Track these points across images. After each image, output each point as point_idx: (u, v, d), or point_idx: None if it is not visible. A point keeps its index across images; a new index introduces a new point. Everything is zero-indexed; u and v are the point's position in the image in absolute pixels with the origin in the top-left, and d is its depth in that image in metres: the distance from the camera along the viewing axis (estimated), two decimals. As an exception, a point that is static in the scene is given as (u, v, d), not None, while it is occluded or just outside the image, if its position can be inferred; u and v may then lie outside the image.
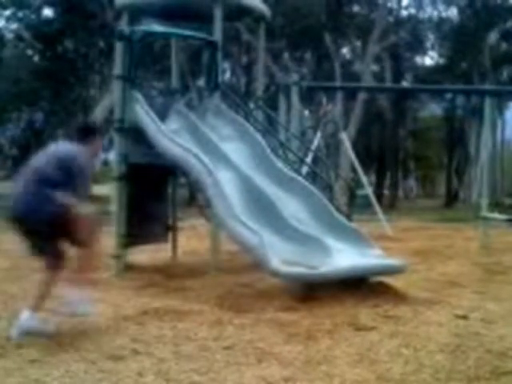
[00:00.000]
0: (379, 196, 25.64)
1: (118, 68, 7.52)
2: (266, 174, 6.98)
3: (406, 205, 29.97)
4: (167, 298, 5.73)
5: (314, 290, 5.39)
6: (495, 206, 14.33)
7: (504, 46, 31.88)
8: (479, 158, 16.46)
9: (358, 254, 5.95)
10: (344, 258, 5.73)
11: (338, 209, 7.31)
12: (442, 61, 33.78)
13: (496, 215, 10.37)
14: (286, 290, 5.57)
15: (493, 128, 18.37)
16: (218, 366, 3.76)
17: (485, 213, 9.75)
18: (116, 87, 7.98)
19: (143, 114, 6.97)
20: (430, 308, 5.17)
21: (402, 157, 35.70)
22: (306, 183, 6.95)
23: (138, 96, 7.10)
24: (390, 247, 8.29)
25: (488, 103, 11.11)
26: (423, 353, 3.96)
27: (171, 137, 6.71)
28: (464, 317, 4.90)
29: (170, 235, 8.20)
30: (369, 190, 13.89)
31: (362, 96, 25.51)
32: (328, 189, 8.58)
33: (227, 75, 31.54)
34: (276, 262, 5.48)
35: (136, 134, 7.09)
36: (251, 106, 8.80)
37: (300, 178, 7.06)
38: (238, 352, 4.03)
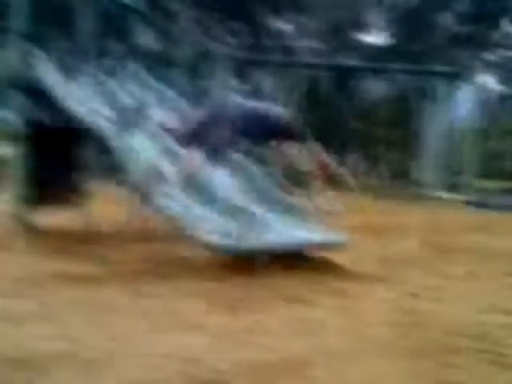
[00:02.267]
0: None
1: (15, 21, 7.26)
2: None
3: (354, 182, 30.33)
4: (81, 263, 5.59)
5: (248, 263, 5.35)
6: (446, 185, 14.57)
7: (456, 27, 32.52)
8: (430, 138, 16.76)
9: (297, 227, 5.99)
10: (282, 231, 5.77)
11: (278, 183, 7.31)
12: (391, 40, 34.22)
13: (446, 194, 10.57)
14: (218, 261, 5.55)
15: (444, 108, 18.72)
16: (140, 334, 3.68)
17: (435, 192, 9.92)
18: (13, 43, 7.73)
19: (47, 74, 6.82)
20: (376, 284, 5.23)
21: (346, 134, 36.06)
22: (242, 157, 6.96)
23: (41, 54, 6.93)
24: (334, 222, 8.32)
25: (439, 84, 11.28)
26: (366, 328, 3.97)
27: (82, 100, 6.60)
28: (411, 294, 4.96)
29: (84, 200, 8.08)
30: (307, 165, 13.93)
31: (305, 73, 25.59)
32: (266, 163, 8.56)
33: (150, 41, 31.12)
34: (206, 234, 5.45)
35: (38, 95, 6.93)
36: (175, 74, 8.72)
37: (236, 152, 7.07)
38: (161, 321, 3.96)
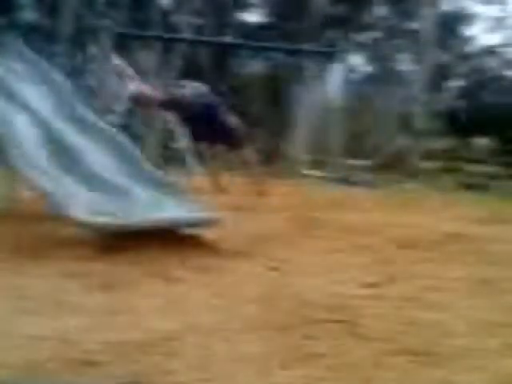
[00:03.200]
0: (198, 150, 25.84)
1: None
2: (72, 121, 6.87)
3: (225, 159, 30.52)
4: None
5: (120, 241, 5.33)
6: (315, 162, 14.98)
7: (330, 8, 33.21)
8: (302, 116, 17.10)
9: (169, 205, 6.01)
10: (154, 208, 5.76)
11: (150, 160, 7.30)
12: (267, 19, 34.47)
13: (315, 172, 10.87)
14: (89, 240, 5.45)
15: (315, 87, 19.13)
16: (11, 316, 3.61)
17: (305, 169, 10.18)
18: None
19: None
20: (242, 260, 5.32)
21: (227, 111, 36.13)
22: (116, 133, 6.89)
23: None
24: (207, 200, 8.38)
25: (311, 63, 11.52)
26: (234, 303, 4.05)
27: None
28: (276, 268, 5.09)
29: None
30: (183, 143, 13.89)
31: (181, 48, 25.39)
32: (139, 140, 8.52)
33: (31, 15, 29.85)
34: (79, 211, 5.39)
35: None
36: (57, 49, 8.47)
37: (109, 128, 6.99)
38: (32, 302, 3.89)
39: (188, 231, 5.93)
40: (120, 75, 7.70)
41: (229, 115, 7.44)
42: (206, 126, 7.42)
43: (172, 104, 7.32)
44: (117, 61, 7.91)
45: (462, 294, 4.56)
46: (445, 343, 3.51)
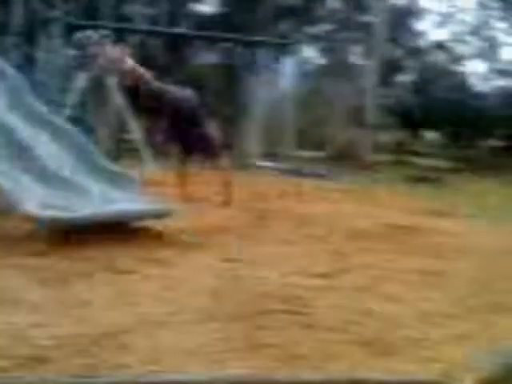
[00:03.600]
0: (151, 141, 25.67)
1: None
2: (24, 115, 6.71)
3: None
4: None
5: (72, 234, 5.25)
6: (268, 154, 15.01)
7: (283, 0, 33.23)
8: (255, 108, 17.10)
9: (122, 197, 5.95)
10: (106, 201, 5.70)
11: (103, 153, 7.23)
12: (221, 10, 34.30)
13: (268, 163, 10.89)
14: (40, 234, 5.35)
15: (269, 79, 19.16)
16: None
17: (257, 160, 10.19)
18: None
19: None
20: (196, 252, 5.31)
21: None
22: (69, 126, 6.80)
23: None
24: (160, 192, 8.34)
25: (265, 55, 11.54)
26: (186, 295, 4.04)
27: None
28: (229, 260, 5.09)
29: None
30: (137, 135, 13.74)
31: (133, 39, 25.13)
32: (92, 132, 8.42)
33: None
34: (30, 205, 5.27)
35: None
36: (8, 41, 8.30)
37: (62, 121, 6.92)
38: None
39: (141, 223, 5.89)
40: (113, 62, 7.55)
41: (208, 124, 7.36)
42: (184, 129, 7.34)
43: (158, 94, 7.19)
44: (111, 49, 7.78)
45: (412, 286, 4.63)
46: (394, 333, 3.56)
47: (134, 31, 23.03)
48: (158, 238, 5.63)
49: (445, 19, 33.51)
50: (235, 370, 2.93)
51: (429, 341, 3.47)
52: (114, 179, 6.25)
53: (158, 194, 6.59)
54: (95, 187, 6.02)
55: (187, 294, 4.07)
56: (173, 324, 3.50)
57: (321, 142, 21.80)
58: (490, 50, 33.93)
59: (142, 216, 5.91)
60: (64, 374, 2.79)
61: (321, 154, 19.36)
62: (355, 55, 32.83)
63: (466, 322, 3.83)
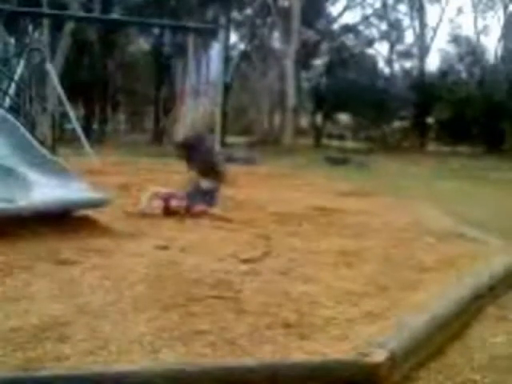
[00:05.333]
0: (88, 130, 25.15)
1: None
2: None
3: (115, 139, 29.89)
4: None
5: (12, 225, 5.09)
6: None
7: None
8: (184, 93, 16.85)
9: (60, 187, 5.81)
10: (45, 191, 5.56)
11: (41, 142, 7.02)
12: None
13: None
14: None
15: (196, 65, 18.94)
16: None
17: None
18: None
19: None
20: (132, 240, 5.25)
21: (111, 90, 35.25)
22: (6, 115, 6.56)
23: None
24: (98, 181, 8.16)
25: (191, 40, 11.43)
26: (124, 284, 3.99)
27: None
28: (164, 247, 5.05)
29: None
30: (76, 124, 13.44)
31: (69, 26, 24.44)
32: (30, 122, 8.16)
33: None
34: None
35: None
36: None
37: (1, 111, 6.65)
38: None
39: (78, 212, 5.76)
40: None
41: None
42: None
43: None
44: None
45: (329, 266, 4.72)
46: (315, 314, 3.62)
47: (70, 18, 22.38)
48: (95, 227, 5.52)
49: (352, 2, 33.80)
50: (168, 357, 2.93)
51: (344, 320, 3.54)
52: (52, 169, 6.09)
53: (95, 183, 6.45)
54: (33, 177, 5.83)
55: (126, 282, 4.01)
56: (111, 314, 3.45)
57: (246, 128, 21.81)
58: (394, 33, 34.56)
59: (79, 205, 5.77)
60: (3, 370, 2.73)
61: (247, 139, 19.35)
62: (275, 40, 32.79)
63: (378, 300, 3.93)
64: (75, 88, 32.87)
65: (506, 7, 31.07)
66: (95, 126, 32.28)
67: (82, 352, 2.94)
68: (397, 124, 33.80)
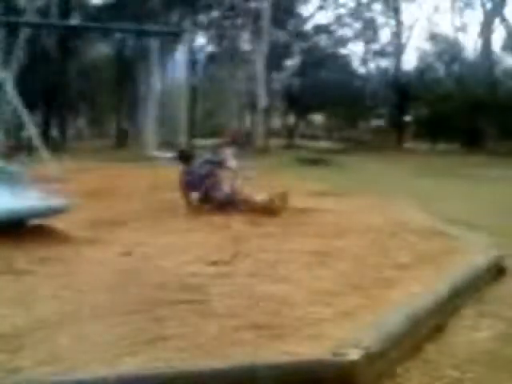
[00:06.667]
0: (47, 137, 24.95)
1: None
2: None
3: (77, 145, 29.67)
4: None
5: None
6: (164, 144, 14.83)
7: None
8: (149, 98, 16.86)
9: (15, 196, 5.72)
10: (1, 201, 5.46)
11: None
12: (111, 0, 33.49)
13: (163, 153, 10.77)
14: None
15: (161, 68, 18.90)
16: None
17: (152, 151, 10.07)
18: None
19: None
20: (93, 247, 5.20)
21: (71, 97, 34.96)
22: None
23: None
24: (57, 189, 8.11)
25: (154, 44, 11.39)
26: (84, 292, 3.95)
27: None
28: (126, 253, 5.01)
29: None
30: (33, 131, 13.27)
31: (25, 32, 24.19)
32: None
33: None
34: None
35: None
36: None
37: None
38: None
39: (35, 221, 5.69)
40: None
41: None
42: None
43: None
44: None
45: (301, 266, 4.72)
46: (287, 315, 3.61)
47: (26, 24, 22.15)
48: (54, 235, 5.46)
49: (325, 2, 34.03)
50: (132, 365, 2.89)
51: (318, 320, 3.54)
52: (8, 178, 6.02)
53: (53, 191, 6.38)
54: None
55: (85, 291, 3.96)
56: (70, 323, 3.40)
57: (216, 130, 21.79)
58: (369, 32, 34.86)
59: (36, 213, 5.70)
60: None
61: (217, 140, 19.34)
62: (245, 42, 32.86)
63: (352, 299, 3.94)
64: (33, 94, 32.56)
65: (483, 5, 31.51)
66: (55, 133, 31.95)
67: (39, 362, 2.89)
68: (374, 123, 34.07)
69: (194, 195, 7.53)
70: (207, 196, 7.45)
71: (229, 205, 7.21)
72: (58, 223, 5.72)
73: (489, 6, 31.09)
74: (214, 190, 7.50)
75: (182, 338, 3.22)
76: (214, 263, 4.72)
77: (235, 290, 4.08)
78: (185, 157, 8.17)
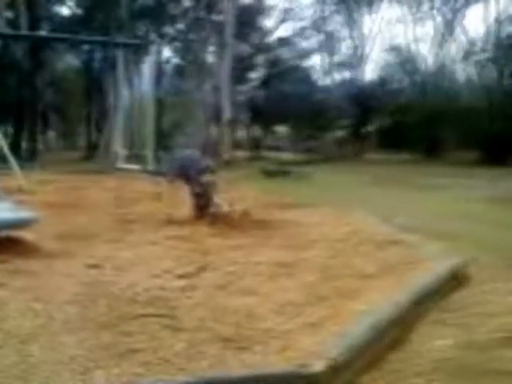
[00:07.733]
0: (17, 149, 24.54)
1: None
2: None
3: (46, 157, 29.23)
4: None
5: None
6: (132, 157, 14.71)
7: (141, 0, 32.63)
8: (117, 110, 16.71)
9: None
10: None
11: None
12: (79, 11, 33.21)
13: (130, 166, 10.67)
14: None
15: (128, 80, 18.75)
16: None
17: (120, 164, 9.97)
18: None
19: None
20: (61, 260, 5.12)
21: (41, 108, 34.50)
22: None
23: None
24: (25, 200, 8.00)
25: (121, 55, 11.28)
26: (54, 305, 3.89)
27: None
28: (95, 266, 4.94)
29: None
30: (2, 143, 13.03)
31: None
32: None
33: None
34: None
35: None
36: None
37: None
38: None
39: (3, 232, 5.57)
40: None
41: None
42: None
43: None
44: None
45: (266, 278, 4.72)
46: (254, 327, 3.61)
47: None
48: (22, 247, 5.36)
49: (287, 15, 34.32)
50: (100, 379, 2.85)
51: (283, 331, 3.54)
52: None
53: (21, 203, 6.27)
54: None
55: (56, 303, 3.91)
56: (40, 337, 3.35)
57: (182, 142, 21.68)
58: (331, 44, 35.20)
59: (6, 225, 5.58)
60: None
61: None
62: (209, 54, 32.88)
63: (318, 310, 3.95)
64: (2, 106, 32.05)
65: (443, 15, 32.02)
66: (24, 145, 31.45)
67: (10, 377, 2.85)
68: (338, 134, 34.29)
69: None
70: (202, 213, 7.45)
71: (217, 218, 7.21)
72: (26, 235, 5.61)
73: (448, 16, 31.58)
74: (208, 207, 7.49)
75: (150, 352, 3.20)
76: (182, 276, 4.68)
77: (200, 302, 4.07)
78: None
